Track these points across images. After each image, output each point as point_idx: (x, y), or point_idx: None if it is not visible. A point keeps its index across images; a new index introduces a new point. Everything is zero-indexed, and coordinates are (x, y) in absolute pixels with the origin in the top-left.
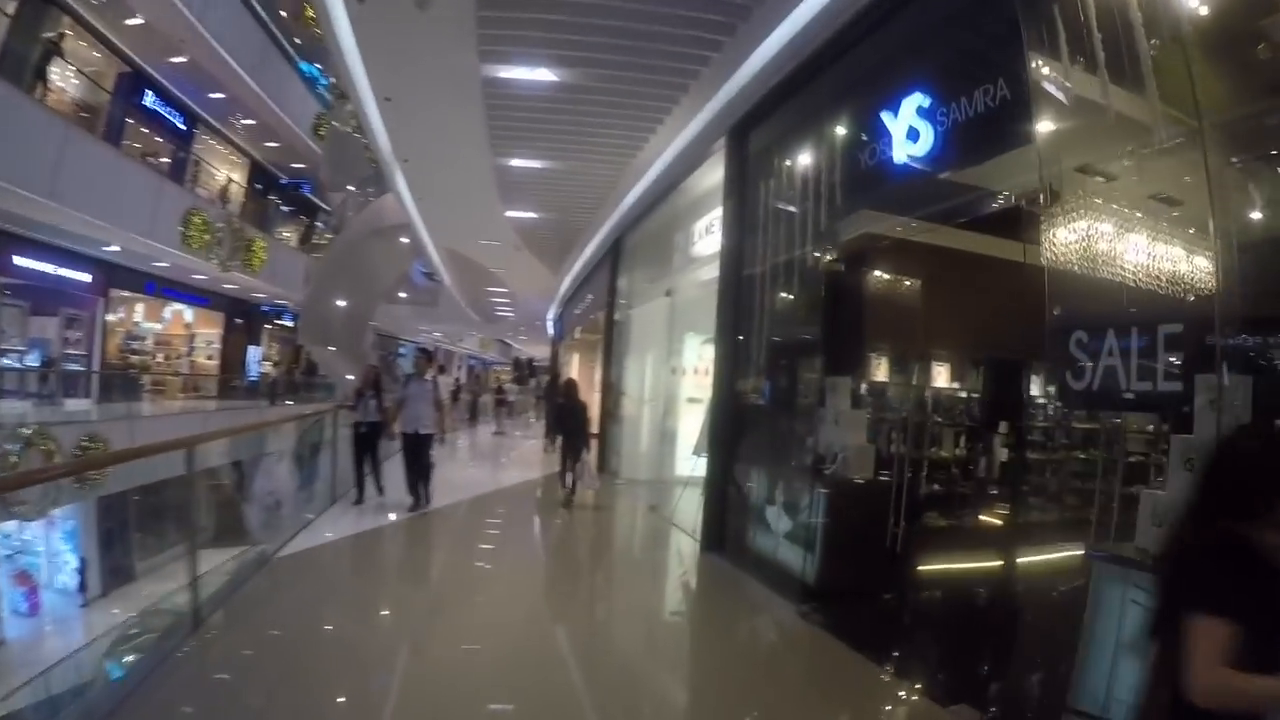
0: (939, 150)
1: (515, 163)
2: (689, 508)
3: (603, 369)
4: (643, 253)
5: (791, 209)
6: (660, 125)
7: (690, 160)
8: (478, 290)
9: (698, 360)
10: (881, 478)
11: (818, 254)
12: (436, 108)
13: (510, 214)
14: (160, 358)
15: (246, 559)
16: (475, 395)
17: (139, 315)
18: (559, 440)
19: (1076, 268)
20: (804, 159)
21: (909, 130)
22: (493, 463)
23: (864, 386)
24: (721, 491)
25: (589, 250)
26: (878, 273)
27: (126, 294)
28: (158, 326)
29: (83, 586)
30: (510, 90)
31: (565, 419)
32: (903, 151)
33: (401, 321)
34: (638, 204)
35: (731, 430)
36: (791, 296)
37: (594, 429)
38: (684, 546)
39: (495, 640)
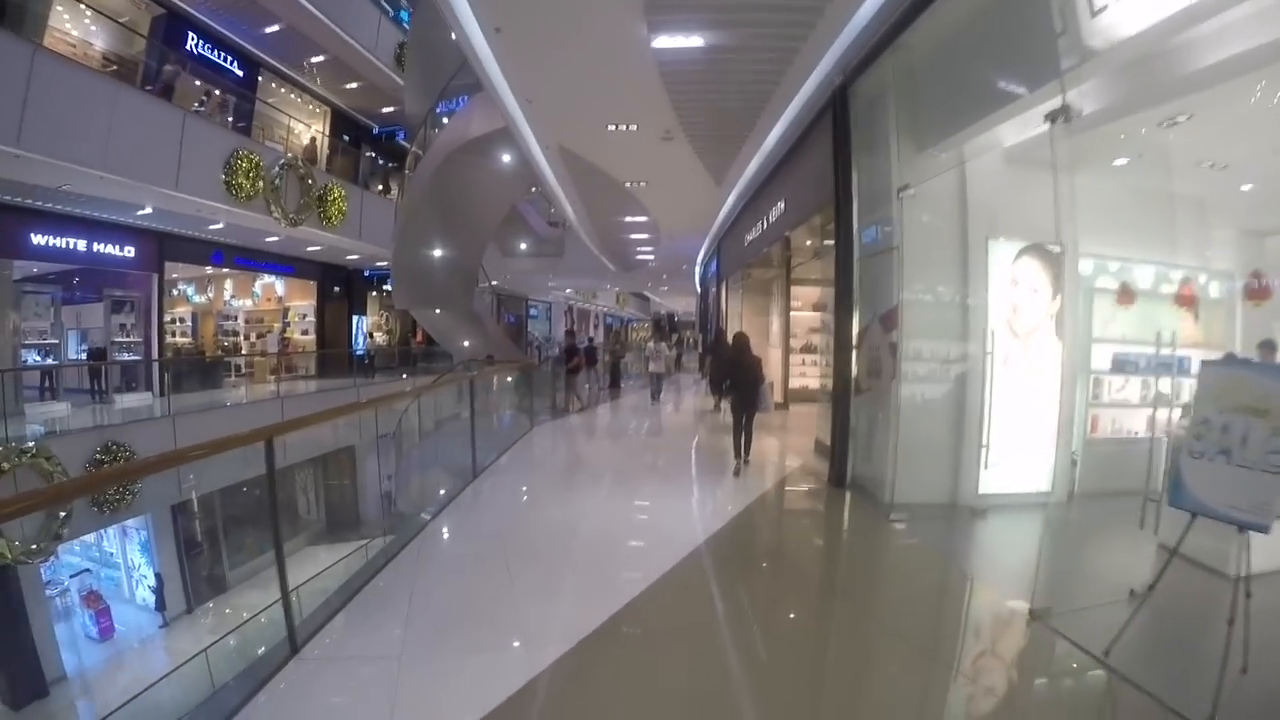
0: None
1: None
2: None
3: (838, 309)
4: (927, 84)
5: None
6: None
7: None
8: (610, 226)
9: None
10: None
11: None
12: None
13: (662, 42)
14: (253, 337)
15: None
16: (616, 356)
17: (229, 292)
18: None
19: None
20: None
21: None
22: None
23: None
24: None
25: (781, 125)
26: None
27: (186, 267)
28: (248, 303)
29: (160, 605)
30: None
31: (737, 378)
32: None
33: (526, 278)
34: None
35: None
36: None
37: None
38: None
39: None
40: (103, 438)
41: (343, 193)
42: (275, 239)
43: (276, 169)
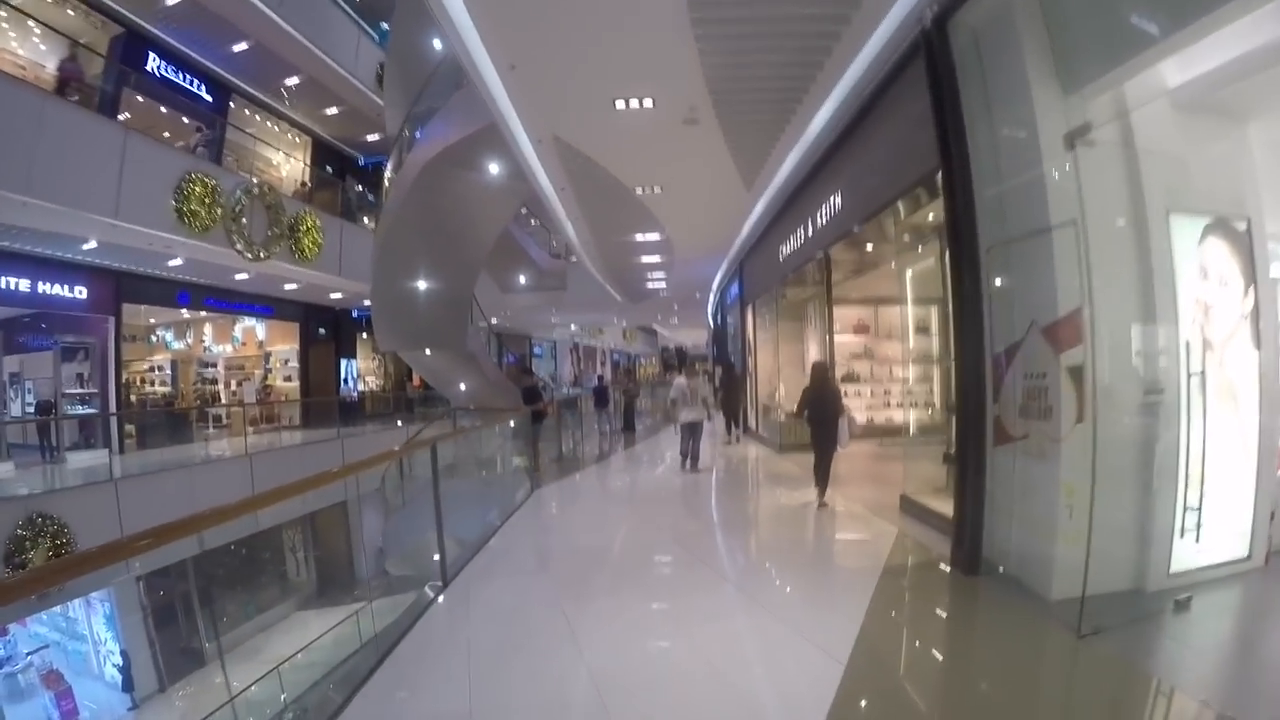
0: None
1: None
2: None
3: (959, 322)
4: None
5: None
6: None
7: None
8: (617, 249)
9: None
10: None
11: None
12: None
13: None
14: (233, 385)
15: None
16: (630, 395)
17: (208, 337)
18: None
19: None
20: None
21: None
22: None
23: None
24: None
25: (840, 91)
26: None
27: (155, 310)
28: (228, 349)
29: (128, 684)
30: None
31: (816, 412)
32: None
33: (528, 315)
34: None
35: None
36: None
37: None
38: None
39: None
40: (27, 509)
41: (316, 222)
42: (245, 276)
43: (239, 195)
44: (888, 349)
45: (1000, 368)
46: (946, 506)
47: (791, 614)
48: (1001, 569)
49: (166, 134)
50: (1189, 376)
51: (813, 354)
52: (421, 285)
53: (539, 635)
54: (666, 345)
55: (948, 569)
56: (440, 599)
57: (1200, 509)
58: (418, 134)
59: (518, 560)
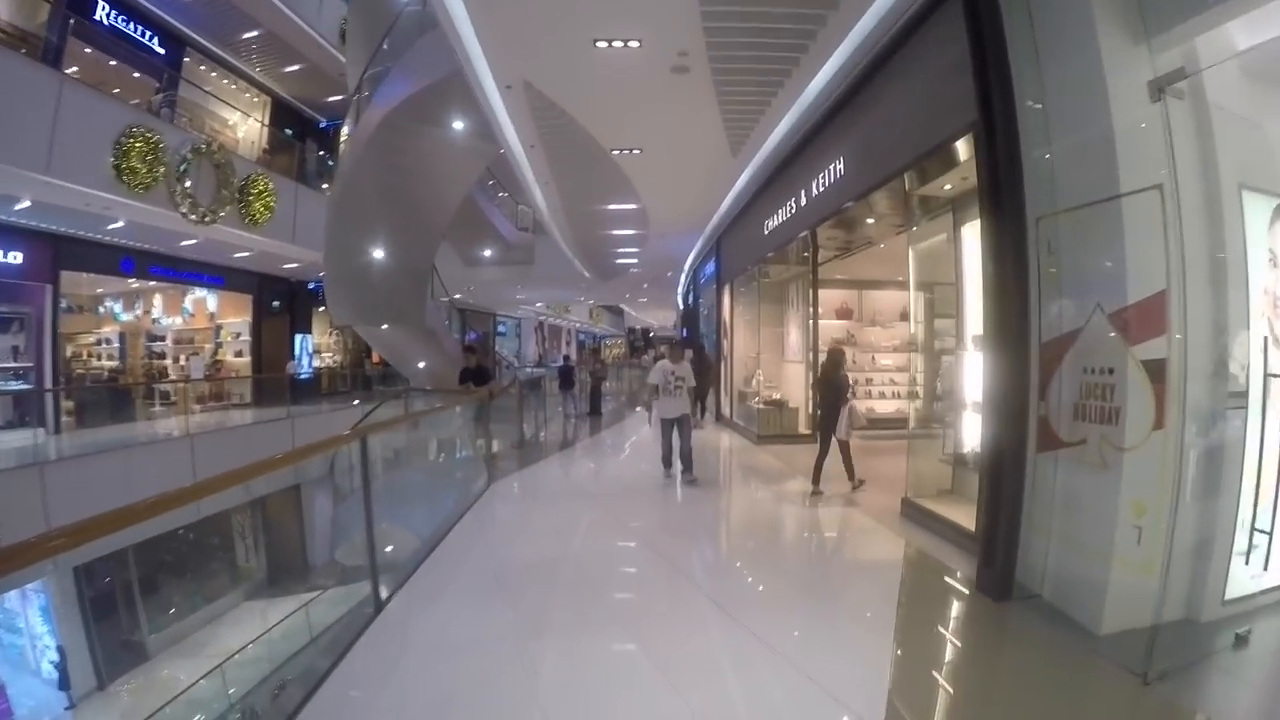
0: None
1: None
2: None
3: (997, 303)
4: None
5: None
6: None
7: None
8: (589, 219)
9: None
10: None
11: None
12: None
13: None
14: (181, 360)
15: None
16: (598, 378)
17: (158, 309)
18: None
19: None
20: None
21: None
22: None
23: None
24: None
25: (855, 37)
26: None
27: (97, 279)
28: (178, 321)
29: (64, 682)
30: None
31: (825, 398)
32: None
33: (493, 290)
34: None
35: None
36: None
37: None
38: None
39: None
40: None
41: (269, 185)
42: (192, 242)
43: (184, 153)
44: (870, 335)
45: (1050, 360)
46: (955, 512)
47: (808, 661)
48: (1038, 594)
49: (117, 90)
50: (1266, 378)
51: (794, 337)
52: (378, 254)
53: (491, 687)
54: (633, 326)
55: (973, 592)
56: (372, 628)
57: (1273, 529)
58: (378, 93)
59: (469, 576)
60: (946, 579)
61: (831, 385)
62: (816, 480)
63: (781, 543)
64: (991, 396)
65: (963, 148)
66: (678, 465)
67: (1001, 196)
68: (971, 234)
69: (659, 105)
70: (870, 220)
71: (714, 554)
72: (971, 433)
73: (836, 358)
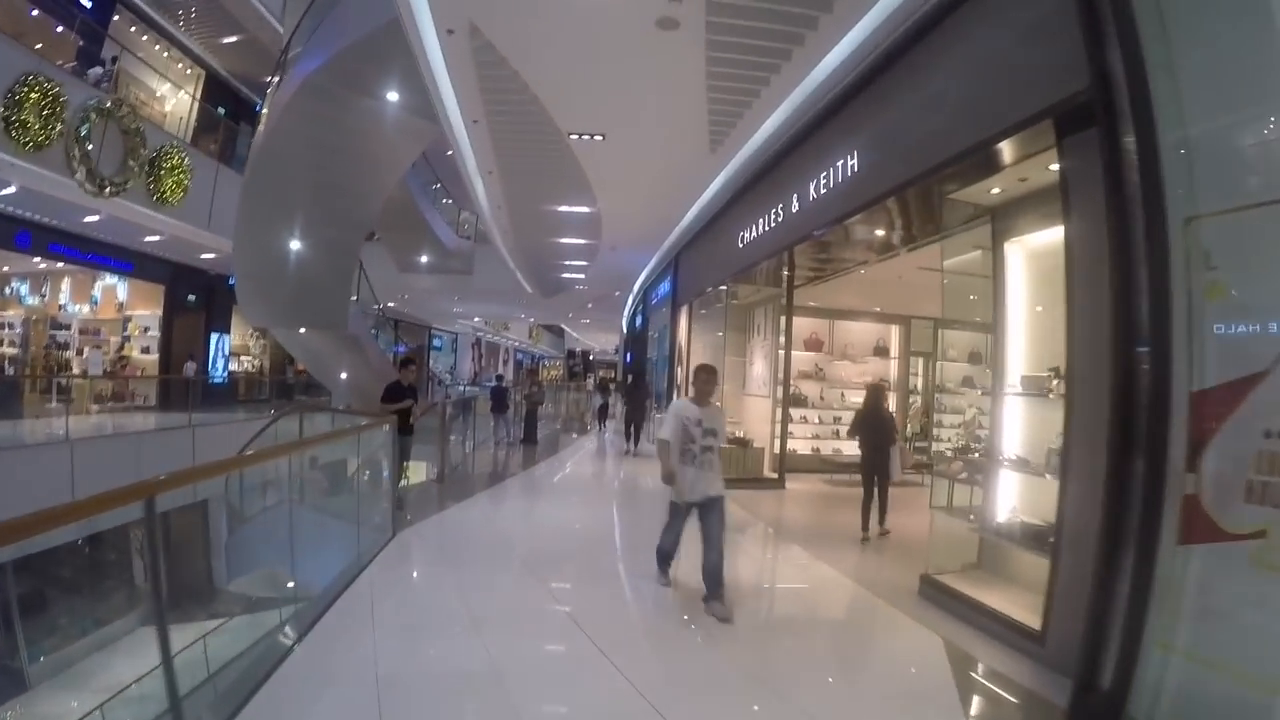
0: None
1: None
2: None
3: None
4: None
5: None
6: None
7: None
8: (536, 222)
9: None
10: None
11: None
12: None
13: None
14: (85, 352)
15: None
16: (534, 402)
17: (64, 296)
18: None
19: None
20: None
21: None
22: None
23: None
24: None
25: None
26: None
27: (10, 256)
28: (85, 309)
29: None
30: None
31: (867, 438)
32: None
33: (429, 301)
34: None
35: None
36: None
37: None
38: None
39: None
40: None
41: (184, 160)
42: (96, 218)
43: (88, 111)
44: (841, 370)
45: (1208, 417)
46: (990, 595)
47: None
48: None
49: (40, 45)
50: None
51: (758, 369)
52: (295, 244)
53: None
54: (573, 349)
55: (1043, 711)
56: None
57: None
58: (305, 54)
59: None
60: (1018, 701)
61: (876, 424)
62: (866, 525)
63: (792, 647)
64: (1110, 464)
65: (1028, 138)
66: (679, 563)
67: (1122, 194)
68: (1019, 251)
69: (633, 76)
70: (879, 232)
71: (701, 666)
72: (1006, 495)
73: (878, 395)
